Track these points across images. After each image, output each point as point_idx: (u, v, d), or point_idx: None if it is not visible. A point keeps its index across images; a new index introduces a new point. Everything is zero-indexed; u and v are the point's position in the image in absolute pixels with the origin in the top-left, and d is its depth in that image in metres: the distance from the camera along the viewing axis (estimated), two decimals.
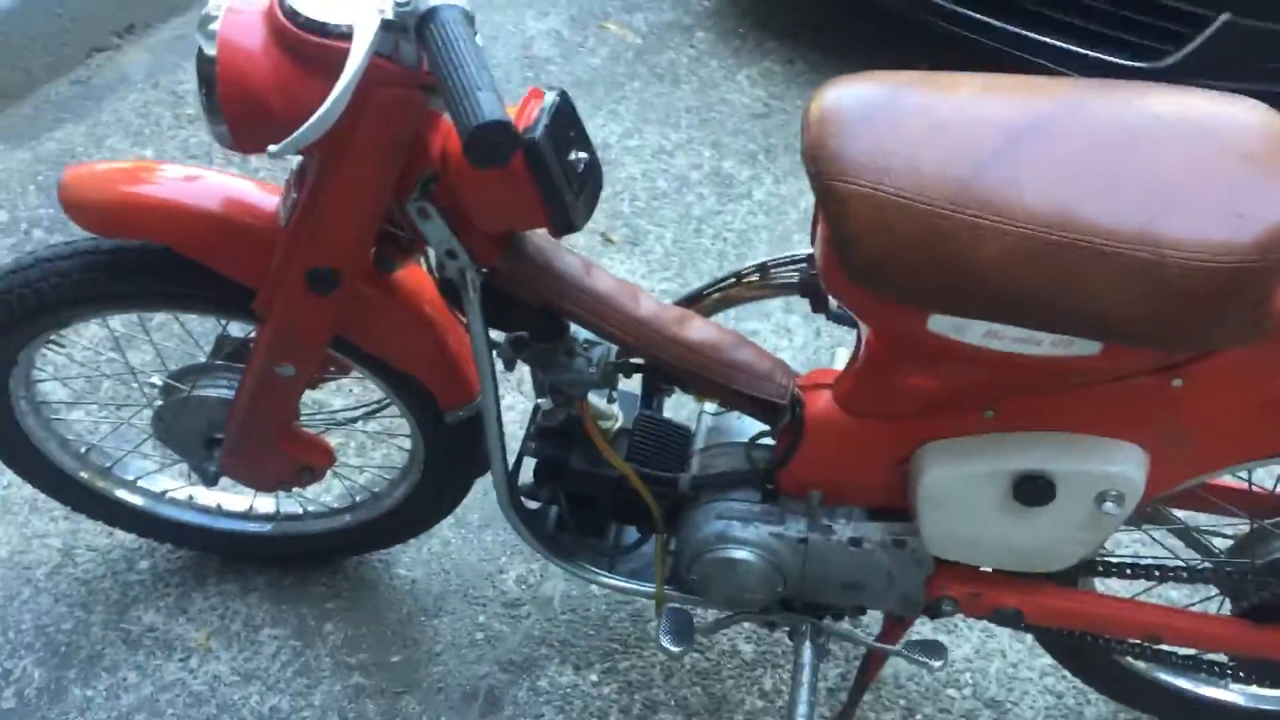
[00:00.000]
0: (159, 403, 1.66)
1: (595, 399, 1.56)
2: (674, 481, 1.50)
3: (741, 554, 1.44)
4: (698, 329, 1.45)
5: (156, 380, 1.68)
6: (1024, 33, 2.80)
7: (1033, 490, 1.28)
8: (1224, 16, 2.60)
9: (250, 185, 1.46)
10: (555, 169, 1.26)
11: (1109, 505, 1.28)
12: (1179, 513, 1.50)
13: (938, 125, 1.15)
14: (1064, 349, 1.19)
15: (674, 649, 1.53)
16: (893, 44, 3.16)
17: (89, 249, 1.49)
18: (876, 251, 1.13)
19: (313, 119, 1.10)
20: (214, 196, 1.43)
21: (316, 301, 1.40)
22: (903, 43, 3.11)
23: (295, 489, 1.74)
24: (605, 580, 1.61)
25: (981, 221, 1.10)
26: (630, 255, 2.57)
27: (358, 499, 1.89)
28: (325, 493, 1.94)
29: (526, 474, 1.60)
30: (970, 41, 2.86)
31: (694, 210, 2.69)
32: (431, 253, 1.40)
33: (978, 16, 2.84)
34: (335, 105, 1.10)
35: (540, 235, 1.41)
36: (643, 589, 1.59)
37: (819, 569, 1.46)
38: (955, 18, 2.88)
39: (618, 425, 1.58)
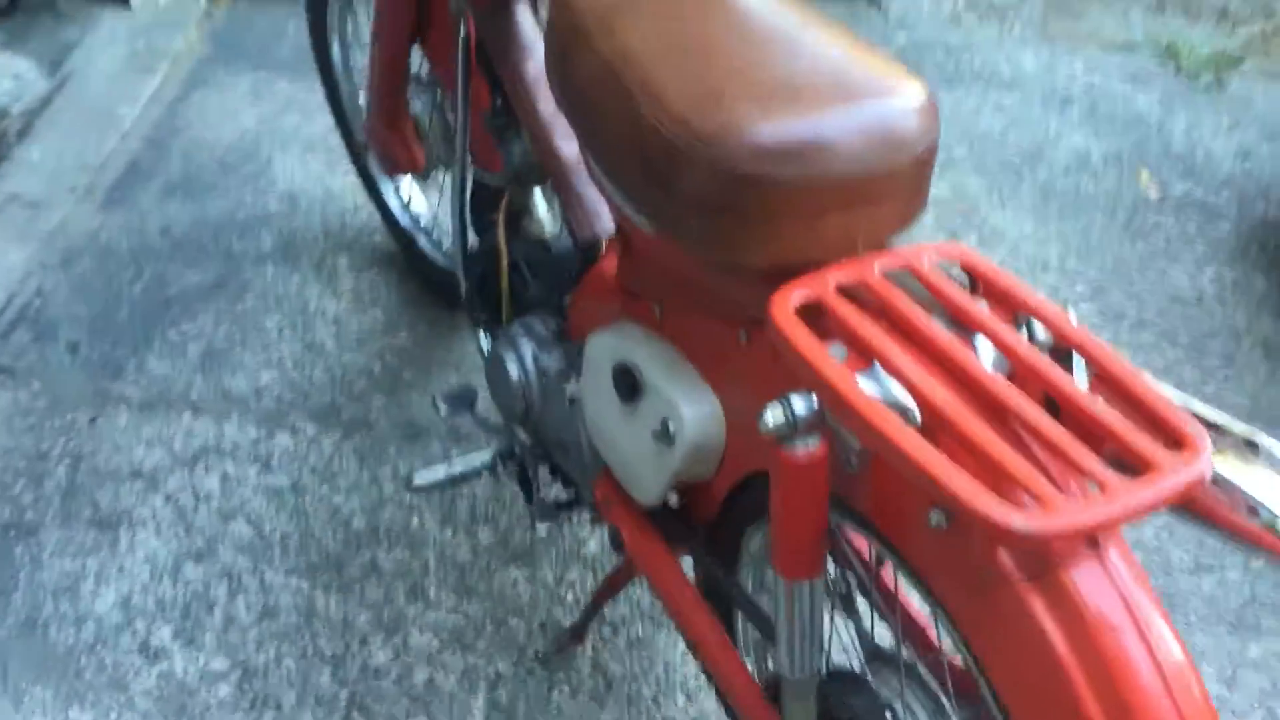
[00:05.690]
0: None
1: (540, 200, 1.66)
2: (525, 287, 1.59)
3: (511, 361, 1.52)
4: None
5: None
6: None
7: (623, 383, 1.24)
8: None
9: None
10: None
11: (666, 437, 1.19)
12: None
13: None
14: (635, 217, 1.15)
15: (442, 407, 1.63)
16: None
17: None
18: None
19: None
20: None
21: None
22: None
23: None
24: None
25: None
26: None
27: None
28: None
29: None
30: None
31: None
32: None
33: None
34: None
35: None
36: None
37: (546, 411, 1.50)
38: None
39: (546, 231, 1.65)
